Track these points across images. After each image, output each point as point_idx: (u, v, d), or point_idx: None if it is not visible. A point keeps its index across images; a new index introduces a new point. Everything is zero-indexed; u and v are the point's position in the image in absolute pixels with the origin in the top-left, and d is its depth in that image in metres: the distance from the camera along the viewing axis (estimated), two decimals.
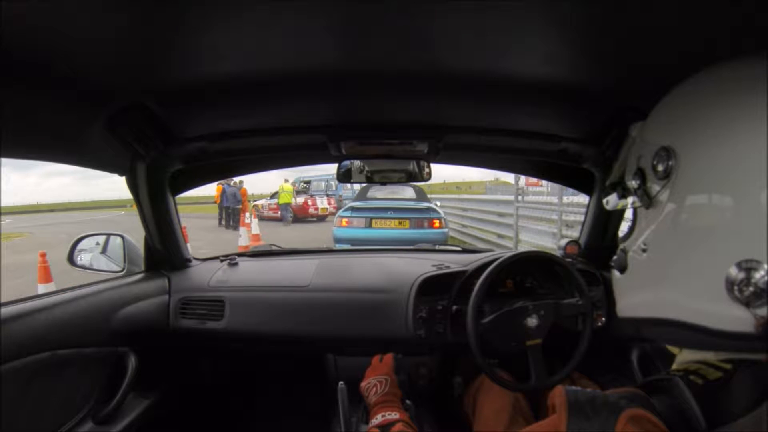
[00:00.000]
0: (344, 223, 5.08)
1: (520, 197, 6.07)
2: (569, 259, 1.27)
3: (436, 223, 5.01)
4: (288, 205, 11.90)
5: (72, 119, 0.87)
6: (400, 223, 5.00)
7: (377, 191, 5.84)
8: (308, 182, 16.00)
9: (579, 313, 1.10)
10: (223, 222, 11.62)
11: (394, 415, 0.83)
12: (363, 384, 0.99)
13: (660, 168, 0.44)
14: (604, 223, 1.35)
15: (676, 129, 0.44)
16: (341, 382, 0.95)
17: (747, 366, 0.39)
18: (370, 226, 5.00)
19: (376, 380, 0.96)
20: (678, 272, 0.43)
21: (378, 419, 0.83)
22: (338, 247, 4.85)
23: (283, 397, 1.61)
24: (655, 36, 0.66)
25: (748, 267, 0.37)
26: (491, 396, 1.07)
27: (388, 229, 4.97)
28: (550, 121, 1.14)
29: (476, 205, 8.32)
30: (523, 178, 5.99)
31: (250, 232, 7.87)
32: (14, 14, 0.54)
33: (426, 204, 5.33)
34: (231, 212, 11.05)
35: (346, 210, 5.26)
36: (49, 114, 0.81)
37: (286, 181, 12.35)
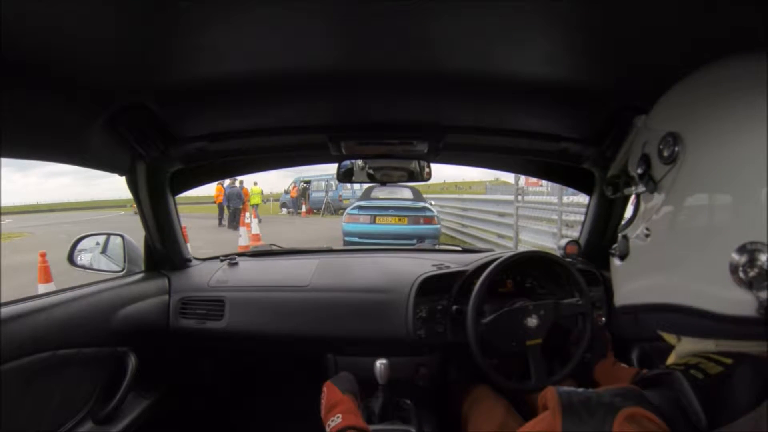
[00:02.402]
0: (351, 220, 5.78)
1: (520, 197, 6.06)
2: (569, 259, 1.27)
3: (430, 219, 5.70)
4: (258, 206, 12.62)
5: (72, 119, 0.87)
6: (399, 219, 5.66)
7: (379, 191, 6.36)
8: (308, 182, 15.99)
9: (579, 313, 1.10)
10: (224, 222, 11.60)
11: (338, 419, 0.79)
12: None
13: (666, 153, 0.44)
14: (604, 222, 1.35)
15: (684, 115, 0.45)
16: None
17: (748, 361, 0.39)
18: (374, 222, 5.67)
19: (322, 401, 0.91)
20: (681, 255, 0.43)
21: (327, 430, 0.80)
22: (347, 240, 5.68)
23: (283, 396, 1.61)
24: (655, 36, 0.66)
25: (752, 249, 0.37)
26: (482, 418, 1.07)
27: (389, 224, 5.62)
28: (550, 121, 1.14)
29: (476, 204, 8.31)
30: (522, 178, 6.00)
31: (250, 231, 7.87)
32: (14, 14, 0.54)
33: (422, 204, 5.99)
34: (233, 212, 11.04)
35: (354, 208, 5.96)
36: (49, 114, 0.81)
37: (255, 184, 12.88)
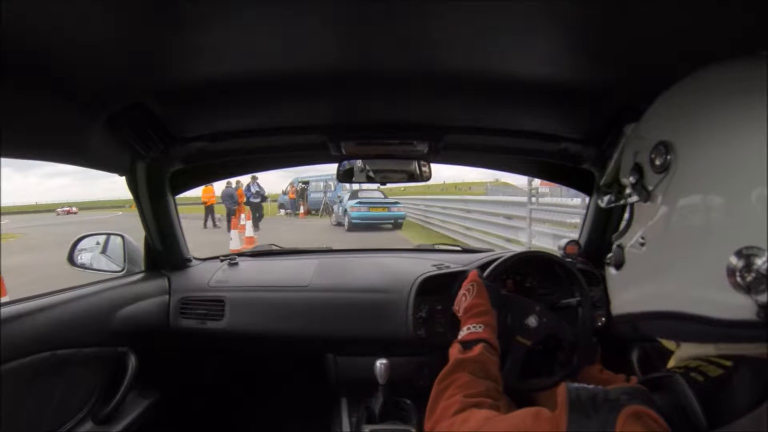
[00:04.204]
0: (355, 210, 10.34)
1: (534, 198, 5.58)
2: (569, 259, 1.26)
3: (399, 208, 10.98)
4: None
5: (72, 119, 0.87)
6: (383, 208, 10.65)
7: (362, 192, 10.97)
8: (306, 183, 15.79)
9: (579, 312, 1.10)
10: (218, 224, 11.25)
11: (478, 329, 0.77)
12: (455, 303, 0.93)
13: (658, 162, 0.45)
14: (604, 223, 1.35)
15: (675, 124, 0.45)
16: (343, 399, 0.93)
17: (747, 363, 0.39)
18: (369, 210, 10.40)
19: (464, 290, 0.90)
20: (678, 263, 0.43)
21: (463, 332, 0.78)
22: (353, 223, 10.25)
23: (283, 396, 1.61)
24: (654, 36, 0.66)
25: (748, 254, 0.38)
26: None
27: (377, 212, 10.47)
28: (550, 121, 1.14)
29: (481, 206, 7.87)
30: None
31: (244, 234, 7.63)
32: (14, 14, 0.54)
33: (393, 199, 11.65)
34: (227, 213, 10.70)
35: (356, 203, 10.47)
36: (49, 114, 0.81)
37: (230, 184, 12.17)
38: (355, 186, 10.67)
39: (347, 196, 11.59)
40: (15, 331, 0.82)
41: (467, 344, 0.73)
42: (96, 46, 0.67)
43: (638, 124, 0.52)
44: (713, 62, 0.46)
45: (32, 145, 0.85)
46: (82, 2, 0.55)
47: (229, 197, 10.64)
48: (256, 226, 10.25)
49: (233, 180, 10.77)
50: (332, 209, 12.92)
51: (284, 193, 16.84)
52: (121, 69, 0.78)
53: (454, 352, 0.73)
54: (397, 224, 10.65)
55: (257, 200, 11.09)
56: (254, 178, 10.91)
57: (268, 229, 10.62)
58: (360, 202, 10.31)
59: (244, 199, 10.80)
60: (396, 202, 11.06)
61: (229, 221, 10.03)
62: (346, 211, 10.80)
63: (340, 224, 11.54)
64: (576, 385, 0.43)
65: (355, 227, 10.24)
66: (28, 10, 0.55)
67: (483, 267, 1.16)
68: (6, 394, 0.79)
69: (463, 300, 0.87)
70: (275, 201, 17.73)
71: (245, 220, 8.83)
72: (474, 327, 0.77)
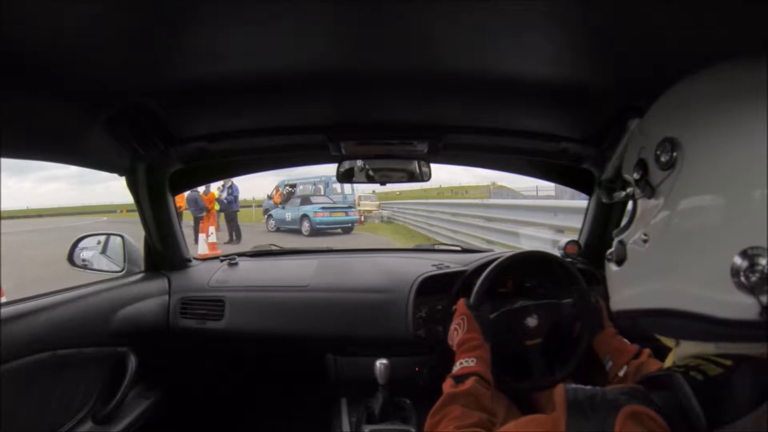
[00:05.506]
0: (319, 215, 10.65)
1: None
2: (569, 259, 1.27)
3: (354, 213, 11.89)
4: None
5: (72, 119, 0.87)
6: (342, 213, 11.18)
7: (314, 197, 12.03)
8: (294, 186, 14.18)
9: (579, 312, 1.10)
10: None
11: (470, 362, 0.79)
12: (449, 338, 0.95)
13: (663, 158, 0.44)
14: (603, 223, 1.35)
15: (682, 120, 0.45)
16: (343, 399, 0.93)
17: (747, 362, 0.39)
18: (331, 215, 10.80)
19: (455, 324, 0.92)
20: (682, 261, 0.43)
21: (456, 367, 0.80)
22: (318, 228, 10.46)
23: (283, 397, 1.61)
24: (655, 36, 0.66)
25: (753, 254, 0.37)
26: None
27: (338, 216, 10.92)
28: (550, 121, 1.14)
29: (507, 213, 5.87)
30: None
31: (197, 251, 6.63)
32: (14, 14, 0.54)
33: (348, 203, 12.73)
34: (195, 222, 8.77)
35: (320, 209, 10.81)
36: (49, 114, 0.81)
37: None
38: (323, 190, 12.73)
39: (296, 201, 11.59)
40: (15, 331, 0.82)
41: (459, 378, 0.76)
42: (96, 46, 0.67)
43: (643, 120, 0.51)
44: (725, 59, 0.45)
45: (32, 146, 0.85)
46: (82, 2, 0.56)
47: (192, 202, 8.59)
48: (232, 240, 8.75)
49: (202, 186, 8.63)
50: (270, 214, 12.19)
51: (269, 197, 14.75)
52: (121, 69, 0.78)
53: (447, 386, 0.75)
54: (349, 228, 11.19)
55: (224, 208, 8.93)
56: (227, 181, 8.83)
57: (245, 240, 8.76)
58: (324, 207, 10.82)
59: (214, 205, 8.80)
60: (351, 207, 12.37)
61: (195, 230, 8.34)
62: (306, 215, 10.63)
63: (279, 230, 11.32)
64: (574, 385, 0.43)
65: (317, 232, 10.35)
66: (29, 11, 0.55)
67: (482, 267, 1.15)
68: (6, 394, 0.79)
69: (455, 335, 0.90)
70: (260, 206, 15.87)
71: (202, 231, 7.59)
72: (466, 361, 0.80)
